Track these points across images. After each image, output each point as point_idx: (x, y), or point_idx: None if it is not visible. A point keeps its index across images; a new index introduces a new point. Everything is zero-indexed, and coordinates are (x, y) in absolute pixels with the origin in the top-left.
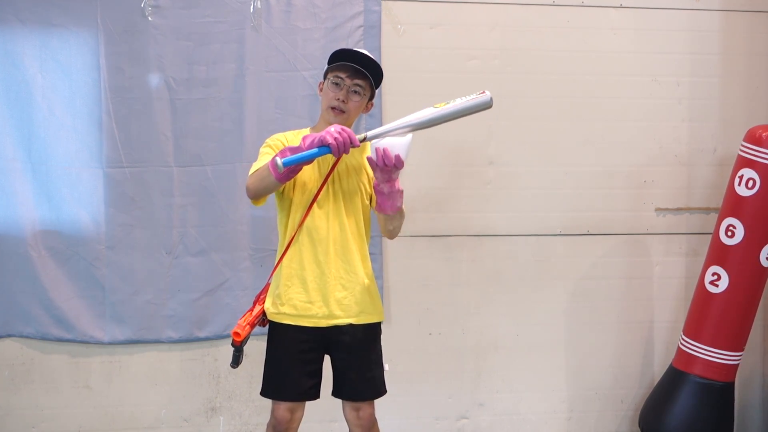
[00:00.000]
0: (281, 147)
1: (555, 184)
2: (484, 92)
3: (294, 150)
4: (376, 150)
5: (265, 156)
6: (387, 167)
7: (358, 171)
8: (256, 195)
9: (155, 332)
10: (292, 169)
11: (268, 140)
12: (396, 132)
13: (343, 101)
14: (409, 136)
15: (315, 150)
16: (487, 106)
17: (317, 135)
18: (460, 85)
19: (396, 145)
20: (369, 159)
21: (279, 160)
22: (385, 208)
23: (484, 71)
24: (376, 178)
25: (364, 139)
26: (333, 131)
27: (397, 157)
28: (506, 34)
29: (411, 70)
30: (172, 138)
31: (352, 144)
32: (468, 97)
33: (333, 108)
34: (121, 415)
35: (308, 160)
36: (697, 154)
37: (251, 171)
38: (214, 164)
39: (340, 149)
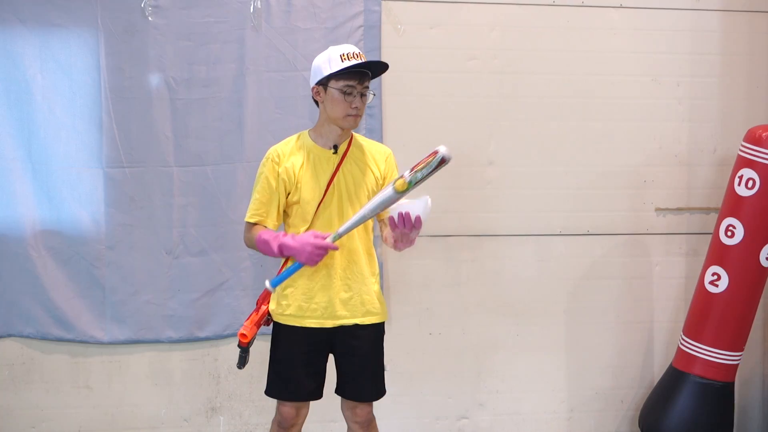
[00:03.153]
0: (278, 168)
1: (555, 184)
2: (436, 152)
3: (279, 247)
4: (399, 215)
5: (263, 184)
6: (406, 229)
7: (363, 171)
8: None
9: (155, 332)
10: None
11: (264, 160)
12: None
13: (359, 107)
14: (428, 199)
15: (297, 264)
16: (446, 161)
17: (296, 249)
18: (460, 85)
19: (415, 208)
20: (390, 221)
21: (268, 283)
22: (401, 249)
23: (484, 71)
24: (394, 237)
25: (337, 238)
26: (308, 254)
27: (417, 218)
28: (506, 34)
29: (411, 70)
30: (172, 138)
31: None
32: (424, 164)
33: (351, 116)
34: (121, 415)
35: (292, 274)
36: (697, 154)
37: (250, 213)
38: (214, 164)
39: (318, 263)
